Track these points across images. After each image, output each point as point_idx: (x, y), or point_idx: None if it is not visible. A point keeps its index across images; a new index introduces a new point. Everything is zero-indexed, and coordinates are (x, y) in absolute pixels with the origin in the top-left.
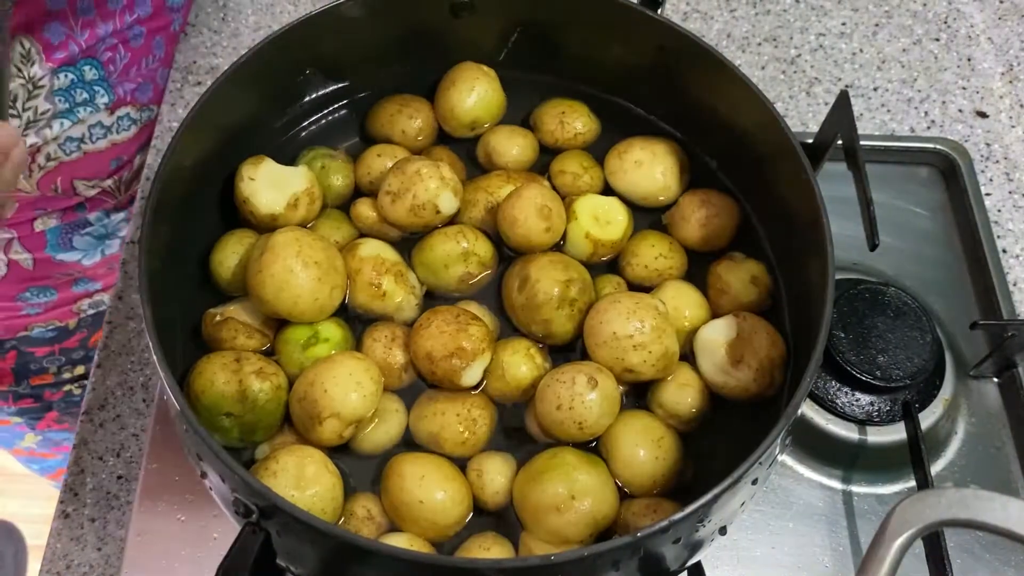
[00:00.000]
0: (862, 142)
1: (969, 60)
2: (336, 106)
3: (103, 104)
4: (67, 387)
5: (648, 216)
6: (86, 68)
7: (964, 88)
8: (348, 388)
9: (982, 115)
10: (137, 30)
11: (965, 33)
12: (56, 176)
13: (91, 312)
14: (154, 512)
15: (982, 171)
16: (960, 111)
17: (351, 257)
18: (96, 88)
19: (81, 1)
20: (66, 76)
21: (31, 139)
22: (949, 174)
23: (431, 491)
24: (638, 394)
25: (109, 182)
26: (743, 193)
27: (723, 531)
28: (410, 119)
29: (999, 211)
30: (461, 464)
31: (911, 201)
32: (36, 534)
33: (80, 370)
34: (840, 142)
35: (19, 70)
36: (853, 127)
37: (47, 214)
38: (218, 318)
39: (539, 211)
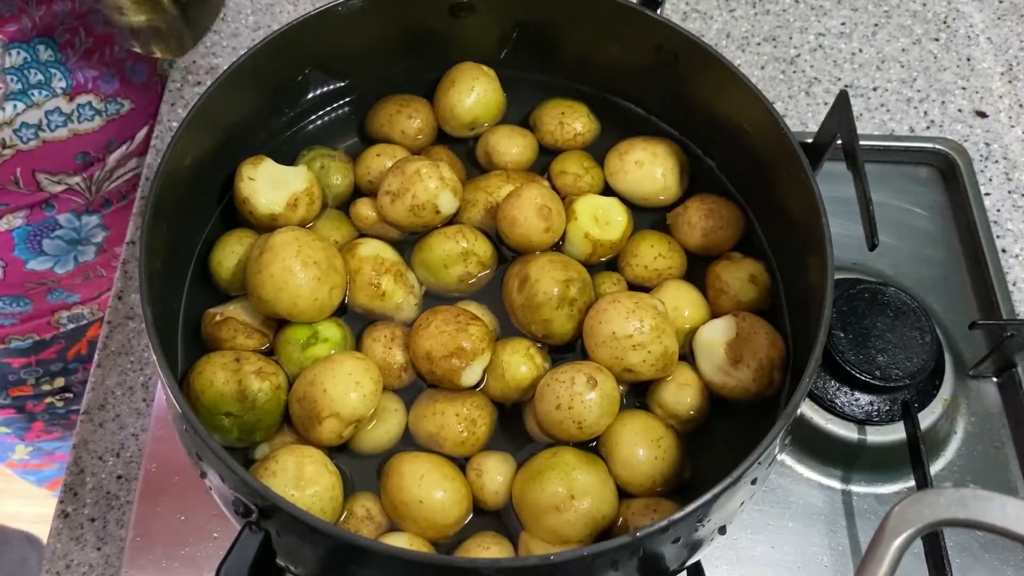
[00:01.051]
0: (861, 142)
1: (968, 60)
2: (336, 106)
3: (60, 89)
4: (48, 399)
5: (648, 216)
6: (40, 47)
7: (964, 88)
8: (347, 388)
9: (981, 115)
10: (100, 15)
11: (964, 33)
12: (15, 166)
13: (70, 326)
14: (154, 512)
15: (981, 171)
16: (959, 111)
17: (351, 257)
18: (52, 70)
19: None
20: (19, 54)
21: None
22: (948, 174)
23: (431, 491)
24: (638, 394)
25: (77, 179)
26: (742, 193)
27: (722, 531)
28: (410, 119)
29: (998, 211)
30: (461, 464)
31: (911, 201)
32: (35, 534)
33: (60, 382)
34: (839, 142)
35: None
36: (852, 127)
37: (12, 211)
38: (218, 318)
39: (539, 211)
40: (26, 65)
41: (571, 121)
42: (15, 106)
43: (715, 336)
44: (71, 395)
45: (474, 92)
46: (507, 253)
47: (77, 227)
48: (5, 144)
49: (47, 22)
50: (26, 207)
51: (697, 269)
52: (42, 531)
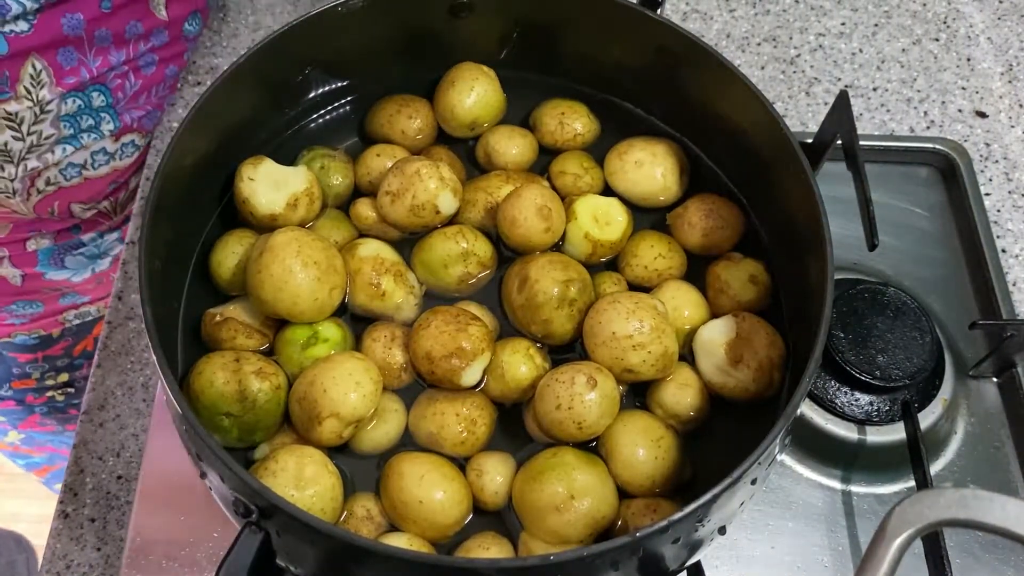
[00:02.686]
0: (862, 142)
1: (969, 60)
2: (336, 106)
3: (108, 131)
4: (50, 393)
5: (648, 216)
6: (94, 94)
7: (964, 88)
8: (347, 388)
9: (982, 115)
10: (149, 58)
11: (965, 33)
12: (54, 200)
13: (76, 322)
14: (154, 512)
15: (981, 171)
16: (960, 111)
17: (351, 257)
18: (102, 115)
19: (99, 31)
20: (74, 102)
21: (32, 163)
22: (949, 174)
23: (430, 491)
24: (638, 394)
25: (105, 203)
26: (742, 193)
27: (722, 531)
28: (410, 119)
29: (998, 211)
30: (461, 464)
31: (911, 201)
32: (35, 533)
33: (64, 377)
34: (840, 142)
35: (28, 92)
36: (853, 127)
37: (41, 235)
38: (218, 318)
39: (539, 211)
40: (79, 112)
41: (571, 121)
42: (64, 149)
43: (715, 336)
44: (73, 389)
45: (474, 92)
46: (507, 253)
47: (99, 244)
48: (49, 182)
49: (102, 71)
50: (54, 231)
51: (697, 269)
52: (42, 531)
